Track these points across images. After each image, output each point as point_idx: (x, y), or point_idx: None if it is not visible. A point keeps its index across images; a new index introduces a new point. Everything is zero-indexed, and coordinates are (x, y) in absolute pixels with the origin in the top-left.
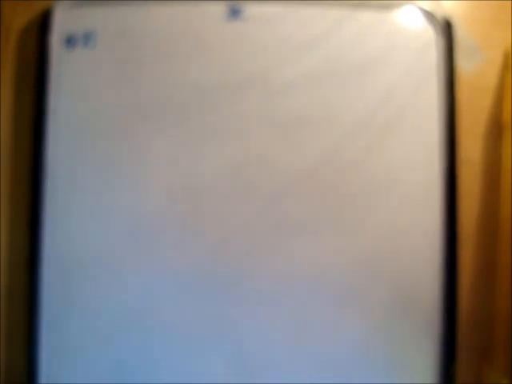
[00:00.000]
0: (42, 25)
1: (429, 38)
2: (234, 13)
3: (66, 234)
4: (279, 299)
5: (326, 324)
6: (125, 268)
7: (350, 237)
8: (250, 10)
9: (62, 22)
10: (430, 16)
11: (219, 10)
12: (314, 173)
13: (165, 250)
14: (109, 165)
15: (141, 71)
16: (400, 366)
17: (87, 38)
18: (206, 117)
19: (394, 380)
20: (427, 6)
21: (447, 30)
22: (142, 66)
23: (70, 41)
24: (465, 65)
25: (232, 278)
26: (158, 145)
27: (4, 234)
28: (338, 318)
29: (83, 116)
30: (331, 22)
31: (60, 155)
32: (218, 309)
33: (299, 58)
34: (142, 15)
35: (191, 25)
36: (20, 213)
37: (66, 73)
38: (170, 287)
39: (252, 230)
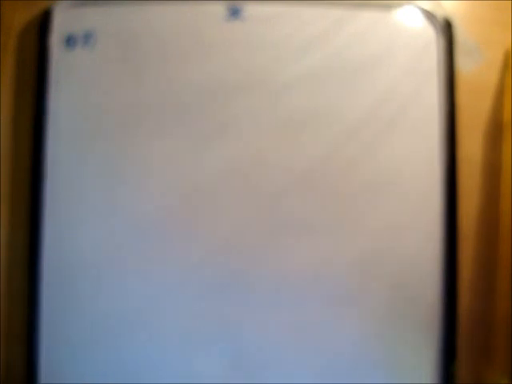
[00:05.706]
0: (42, 25)
1: (429, 38)
2: (234, 13)
3: (65, 235)
4: (279, 299)
5: (325, 324)
6: (124, 268)
7: (349, 236)
8: (250, 10)
9: (61, 22)
10: (430, 16)
11: (219, 9)
12: (313, 172)
13: (165, 250)
14: (109, 165)
15: (140, 71)
16: (400, 365)
17: (87, 37)
18: (206, 116)
19: (394, 380)
20: (427, 5)
21: (447, 30)
22: (141, 66)
23: (69, 41)
24: (465, 65)
25: (232, 278)
26: (157, 145)
27: (4, 234)
28: (337, 318)
29: (83, 116)
30: (331, 22)
31: (60, 155)
32: (218, 309)
33: (299, 57)
34: (142, 15)
35: (191, 25)
36: (20, 213)
37: (66, 73)
38: (170, 287)
39: (252, 230)
